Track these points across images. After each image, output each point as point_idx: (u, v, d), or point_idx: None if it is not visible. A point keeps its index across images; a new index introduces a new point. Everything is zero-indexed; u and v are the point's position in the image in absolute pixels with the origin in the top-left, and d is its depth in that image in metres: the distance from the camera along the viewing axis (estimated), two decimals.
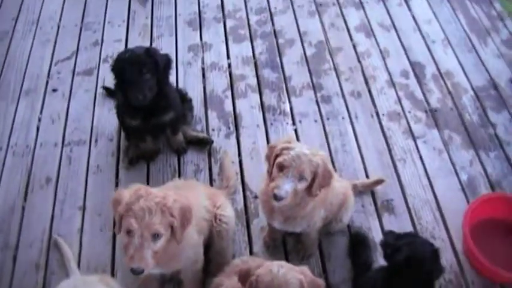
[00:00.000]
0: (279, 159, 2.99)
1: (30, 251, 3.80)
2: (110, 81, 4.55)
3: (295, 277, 2.56)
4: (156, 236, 2.65)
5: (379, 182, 4.06)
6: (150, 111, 3.88)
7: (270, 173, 3.11)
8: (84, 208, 4.03)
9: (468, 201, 3.99)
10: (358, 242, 3.73)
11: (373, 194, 4.07)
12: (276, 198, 2.96)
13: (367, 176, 4.19)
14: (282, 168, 2.98)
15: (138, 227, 2.60)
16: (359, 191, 3.99)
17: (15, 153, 4.42)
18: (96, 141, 4.47)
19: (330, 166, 3.12)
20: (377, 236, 3.80)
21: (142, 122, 3.94)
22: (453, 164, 4.29)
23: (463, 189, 4.12)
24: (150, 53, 3.70)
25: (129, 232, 2.64)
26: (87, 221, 3.95)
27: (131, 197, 2.67)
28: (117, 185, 4.14)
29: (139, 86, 3.64)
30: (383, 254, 3.12)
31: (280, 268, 2.57)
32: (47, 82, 5.01)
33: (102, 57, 5.21)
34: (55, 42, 5.41)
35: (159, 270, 3.08)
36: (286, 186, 2.95)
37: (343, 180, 3.77)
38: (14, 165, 4.34)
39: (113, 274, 3.64)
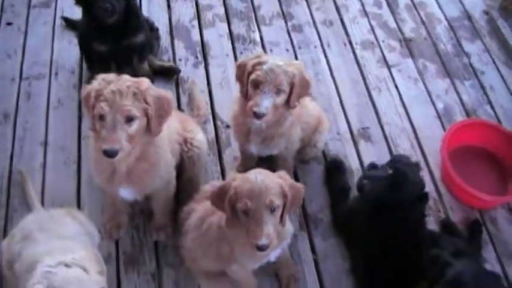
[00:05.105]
0: (252, 76, 2.81)
1: None
2: (69, 12, 4.36)
3: (275, 181, 2.44)
4: (129, 119, 2.51)
5: None
6: (120, 31, 3.70)
7: (244, 93, 2.93)
8: (46, 143, 3.80)
9: (444, 129, 3.93)
10: (334, 168, 3.63)
11: (348, 122, 3.97)
12: (257, 116, 2.79)
13: (341, 105, 4.07)
14: (257, 84, 2.80)
15: (109, 110, 2.47)
16: None
17: None
18: (56, 74, 4.21)
19: (307, 74, 2.96)
20: (353, 163, 3.74)
21: (111, 45, 3.75)
22: (429, 93, 4.21)
23: (439, 117, 4.06)
24: None
25: (101, 117, 2.49)
26: (49, 156, 3.74)
27: (100, 84, 2.54)
28: (80, 118, 3.92)
29: None
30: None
31: (258, 175, 2.44)
32: (0, 16, 4.68)
33: None
34: None
35: (131, 191, 2.92)
36: (265, 102, 2.77)
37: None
38: None
39: (79, 209, 3.41)
